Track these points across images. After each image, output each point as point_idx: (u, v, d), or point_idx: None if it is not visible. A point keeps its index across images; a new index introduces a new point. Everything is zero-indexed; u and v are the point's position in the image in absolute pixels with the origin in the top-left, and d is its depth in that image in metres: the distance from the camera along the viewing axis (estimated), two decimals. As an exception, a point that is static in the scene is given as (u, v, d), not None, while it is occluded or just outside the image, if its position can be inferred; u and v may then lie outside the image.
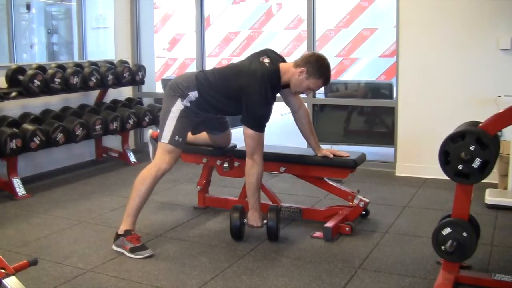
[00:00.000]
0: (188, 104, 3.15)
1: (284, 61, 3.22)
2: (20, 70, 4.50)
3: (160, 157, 3.13)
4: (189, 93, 3.13)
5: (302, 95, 3.54)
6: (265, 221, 3.18)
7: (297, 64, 3.10)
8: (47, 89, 4.57)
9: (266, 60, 3.10)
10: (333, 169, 3.44)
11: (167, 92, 3.22)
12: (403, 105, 4.78)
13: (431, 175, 4.58)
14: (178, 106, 3.14)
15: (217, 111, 3.30)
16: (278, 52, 3.29)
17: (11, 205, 4.06)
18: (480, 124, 2.44)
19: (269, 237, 3.21)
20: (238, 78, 3.08)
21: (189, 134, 3.41)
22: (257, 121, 3.07)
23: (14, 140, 4.12)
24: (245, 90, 3.03)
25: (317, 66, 3.07)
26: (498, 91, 4.26)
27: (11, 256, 2.88)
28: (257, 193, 3.18)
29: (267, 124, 3.13)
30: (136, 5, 6.04)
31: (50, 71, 4.62)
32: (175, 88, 3.17)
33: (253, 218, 3.18)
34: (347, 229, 3.31)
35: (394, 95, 5.18)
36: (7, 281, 2.07)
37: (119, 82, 5.36)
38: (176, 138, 3.12)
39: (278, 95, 3.45)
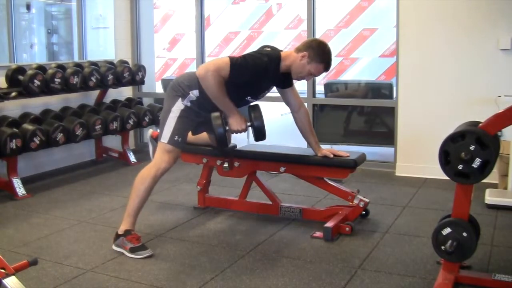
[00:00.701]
0: (189, 104, 3.15)
1: None
2: (20, 70, 4.50)
3: (160, 157, 3.13)
4: (190, 92, 3.13)
5: (302, 96, 3.53)
6: (248, 124, 3.11)
7: (298, 49, 3.12)
8: (47, 89, 4.57)
9: (268, 49, 3.15)
10: (333, 169, 3.44)
11: (168, 92, 3.22)
12: (403, 105, 4.78)
13: (431, 175, 4.58)
14: (178, 106, 3.14)
15: (218, 110, 3.29)
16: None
17: (11, 205, 4.06)
18: (480, 124, 2.44)
19: (257, 137, 3.13)
20: (242, 55, 3.08)
21: (189, 134, 3.41)
22: (239, 66, 2.97)
23: (14, 140, 4.12)
24: (245, 55, 3.05)
25: (319, 50, 3.09)
26: (498, 91, 4.27)
27: (11, 256, 2.88)
28: (225, 99, 3.03)
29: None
30: (136, 5, 6.04)
31: (50, 71, 4.62)
32: (177, 88, 3.17)
33: (235, 123, 3.08)
34: (347, 229, 3.31)
35: (394, 95, 5.18)
36: (7, 281, 2.07)
37: (119, 82, 5.36)
38: (176, 138, 3.12)
39: (278, 95, 3.46)
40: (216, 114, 3.06)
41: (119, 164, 5.38)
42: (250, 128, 3.14)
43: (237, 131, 3.11)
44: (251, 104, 3.22)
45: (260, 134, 3.12)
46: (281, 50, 3.21)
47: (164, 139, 3.13)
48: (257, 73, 3.04)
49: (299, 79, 3.26)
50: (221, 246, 3.17)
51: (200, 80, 3.00)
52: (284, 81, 3.27)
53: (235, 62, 2.98)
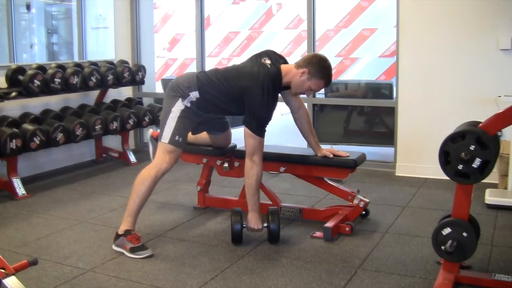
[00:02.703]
0: (189, 105, 3.15)
1: (285, 62, 3.23)
2: (20, 70, 4.50)
3: (160, 157, 3.13)
4: (190, 93, 3.13)
5: (302, 96, 3.53)
6: (265, 224, 3.16)
7: (299, 65, 3.10)
8: (47, 89, 4.57)
9: (268, 62, 3.10)
10: (333, 169, 3.44)
11: (168, 93, 3.22)
12: (403, 105, 4.78)
13: (431, 175, 4.58)
14: (178, 106, 3.14)
15: (218, 111, 3.30)
16: (279, 52, 3.30)
17: (11, 205, 4.06)
18: (480, 124, 2.44)
19: (271, 240, 3.18)
20: (240, 80, 3.08)
21: (190, 134, 3.41)
22: (259, 123, 3.07)
23: (14, 140, 4.12)
24: (247, 92, 3.04)
25: (319, 67, 3.08)
26: (498, 91, 4.27)
27: (11, 256, 2.88)
28: (257, 194, 3.17)
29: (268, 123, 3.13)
30: (136, 5, 6.04)
31: (50, 71, 4.62)
32: (176, 89, 3.17)
33: (253, 220, 3.15)
34: (347, 229, 3.31)
35: (394, 95, 5.18)
36: (7, 281, 2.07)
37: (119, 82, 5.36)
38: (176, 138, 3.12)
39: (279, 95, 3.46)
40: (237, 209, 3.19)
41: (119, 164, 5.38)
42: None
43: (253, 230, 3.17)
44: (271, 208, 3.25)
45: (274, 237, 3.17)
46: (282, 58, 3.21)
47: (165, 139, 3.13)
48: (270, 103, 3.06)
49: (298, 94, 3.29)
50: (221, 246, 3.17)
51: (247, 170, 3.12)
52: (285, 86, 3.27)
53: (257, 126, 3.05)
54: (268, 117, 3.10)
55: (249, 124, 3.07)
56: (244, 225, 3.16)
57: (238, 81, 3.09)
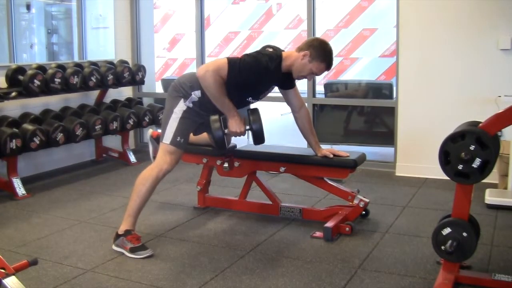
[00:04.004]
0: (191, 105, 3.14)
1: None
2: (20, 70, 4.50)
3: (162, 158, 3.12)
4: (192, 92, 3.13)
5: (302, 96, 3.53)
6: (247, 127, 3.10)
7: (300, 48, 3.12)
8: (47, 89, 4.57)
9: (269, 49, 3.14)
10: (333, 169, 3.44)
11: (170, 93, 3.22)
12: (403, 105, 4.78)
13: (431, 175, 4.58)
14: (180, 107, 3.14)
15: (219, 111, 3.30)
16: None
17: (11, 205, 4.06)
18: (480, 124, 2.44)
19: (256, 141, 3.12)
20: (242, 57, 3.08)
21: (190, 134, 3.41)
22: (238, 67, 2.97)
23: (14, 140, 4.12)
24: (244, 56, 3.05)
25: (321, 49, 3.09)
26: (498, 91, 4.27)
27: (11, 256, 2.88)
28: (224, 100, 3.02)
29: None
30: (136, 5, 6.04)
31: (50, 71, 4.62)
32: (178, 88, 3.17)
33: (234, 124, 3.06)
34: (347, 229, 3.31)
35: (394, 95, 5.18)
36: (7, 281, 2.08)
37: (119, 82, 5.36)
38: (178, 139, 3.12)
39: (280, 95, 3.46)
40: (215, 117, 3.05)
41: (119, 164, 5.38)
42: (249, 131, 3.13)
43: (235, 134, 3.10)
44: (250, 108, 3.21)
45: (258, 137, 3.11)
46: (283, 50, 3.21)
47: (166, 140, 3.13)
48: (256, 73, 3.03)
49: (300, 78, 3.25)
50: (221, 246, 3.17)
51: (200, 80, 3.00)
52: (286, 82, 3.27)
53: (234, 63, 2.98)
54: (250, 78, 3.02)
55: (232, 59, 2.99)
56: (226, 132, 3.06)
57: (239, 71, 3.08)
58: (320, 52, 3.08)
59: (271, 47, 3.18)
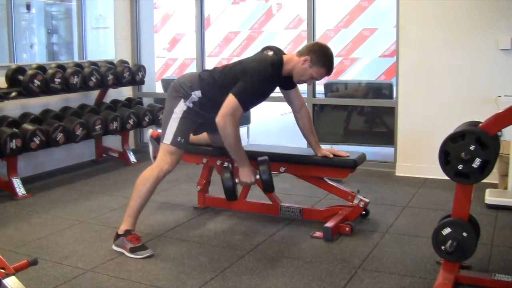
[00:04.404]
0: (191, 105, 3.14)
1: None
2: (20, 70, 4.50)
3: (162, 158, 3.12)
4: (192, 93, 3.13)
5: (303, 96, 3.53)
6: (257, 176, 3.15)
7: (300, 53, 3.12)
8: (47, 89, 4.57)
9: (270, 53, 3.14)
10: (333, 169, 3.44)
11: (170, 93, 3.22)
12: (403, 105, 4.78)
13: (431, 175, 4.58)
14: (180, 107, 3.14)
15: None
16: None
17: (11, 205, 4.06)
18: (480, 124, 2.44)
19: (265, 190, 3.17)
20: (242, 70, 3.08)
21: (191, 135, 3.41)
22: (247, 94, 3.02)
23: (14, 140, 4.12)
24: (246, 69, 3.05)
25: (321, 54, 3.09)
26: (498, 91, 4.27)
27: (11, 256, 2.88)
28: (240, 150, 3.11)
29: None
30: (136, 5, 6.04)
31: (50, 71, 4.62)
32: (178, 89, 3.17)
33: (245, 174, 3.13)
34: (347, 229, 3.31)
35: (394, 95, 5.18)
36: (7, 281, 2.08)
37: (119, 82, 5.36)
38: (178, 139, 3.12)
39: (280, 95, 3.46)
40: (226, 165, 3.16)
41: (119, 164, 5.38)
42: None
43: (245, 184, 3.17)
44: (260, 158, 3.25)
45: (268, 186, 3.18)
46: (284, 53, 3.21)
47: (167, 140, 3.13)
48: (263, 86, 3.07)
49: (300, 82, 3.28)
50: (221, 246, 3.17)
51: (221, 131, 3.04)
52: (288, 82, 3.27)
53: (242, 94, 3.00)
54: (256, 95, 3.08)
55: (238, 90, 3.01)
56: (236, 181, 3.13)
57: (240, 74, 3.08)
58: (320, 57, 3.08)
59: (271, 49, 3.18)
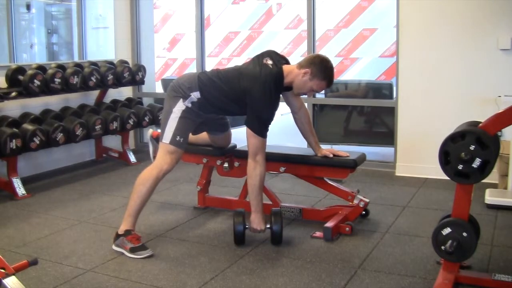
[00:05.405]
0: (190, 105, 3.15)
1: (287, 62, 3.23)
2: (20, 70, 4.50)
3: (162, 158, 3.12)
4: (191, 93, 3.13)
5: (302, 96, 3.53)
6: (268, 225, 3.15)
7: (301, 66, 3.10)
8: (47, 89, 4.57)
9: (269, 62, 3.10)
10: (333, 169, 3.44)
11: (169, 93, 3.22)
12: (403, 105, 4.78)
13: (431, 175, 4.58)
14: (179, 107, 3.14)
15: (219, 112, 3.30)
16: (279, 52, 3.29)
17: (11, 205, 4.06)
18: (480, 124, 2.44)
19: (273, 241, 3.17)
20: (241, 81, 3.08)
21: (190, 134, 3.41)
22: (261, 124, 3.07)
23: (14, 140, 4.12)
24: (249, 92, 3.04)
25: (322, 67, 3.08)
26: (498, 91, 4.27)
27: (11, 256, 2.89)
28: (260, 195, 3.16)
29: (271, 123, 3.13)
30: (136, 5, 6.04)
31: (50, 71, 4.62)
32: (177, 89, 3.17)
33: (256, 221, 3.14)
34: (347, 229, 3.31)
35: (394, 95, 5.18)
36: (7, 281, 2.08)
37: (119, 82, 5.36)
38: (178, 138, 3.12)
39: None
40: (240, 210, 3.17)
41: (119, 164, 5.38)
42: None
43: (255, 231, 3.16)
44: (274, 209, 3.24)
45: (277, 238, 3.16)
46: (284, 58, 3.21)
47: (166, 139, 3.13)
48: (271, 106, 3.07)
49: (300, 94, 3.29)
50: (221, 246, 3.17)
51: (251, 171, 3.10)
52: (287, 87, 3.27)
53: (257, 126, 3.05)
54: (270, 118, 3.10)
55: (251, 124, 3.07)
56: (246, 226, 3.14)
57: (239, 82, 3.09)
58: (320, 70, 3.07)
59: (270, 57, 3.13)
